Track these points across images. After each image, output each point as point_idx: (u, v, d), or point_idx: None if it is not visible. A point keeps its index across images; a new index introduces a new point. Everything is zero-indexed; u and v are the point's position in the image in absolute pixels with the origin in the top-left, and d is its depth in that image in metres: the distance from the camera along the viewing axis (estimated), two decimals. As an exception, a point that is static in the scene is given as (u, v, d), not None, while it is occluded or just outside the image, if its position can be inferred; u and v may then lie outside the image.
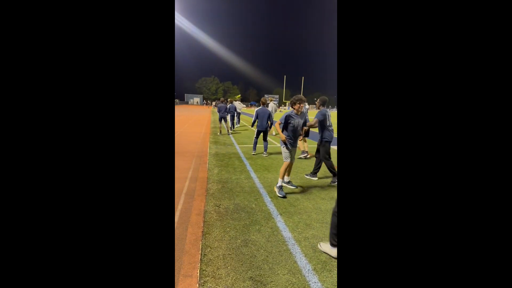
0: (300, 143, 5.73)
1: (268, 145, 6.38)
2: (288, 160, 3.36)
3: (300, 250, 2.13)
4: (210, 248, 2.13)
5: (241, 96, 35.38)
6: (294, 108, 3.27)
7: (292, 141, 3.36)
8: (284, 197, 3.28)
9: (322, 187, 3.80)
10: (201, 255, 2.03)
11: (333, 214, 2.01)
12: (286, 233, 2.40)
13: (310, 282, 1.77)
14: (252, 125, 6.11)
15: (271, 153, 6.05)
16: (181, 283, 1.72)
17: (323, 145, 3.91)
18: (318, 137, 4.01)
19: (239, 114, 12.41)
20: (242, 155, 5.82)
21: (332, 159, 3.91)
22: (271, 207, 2.99)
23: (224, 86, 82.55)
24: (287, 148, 3.35)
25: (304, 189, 3.65)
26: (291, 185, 3.64)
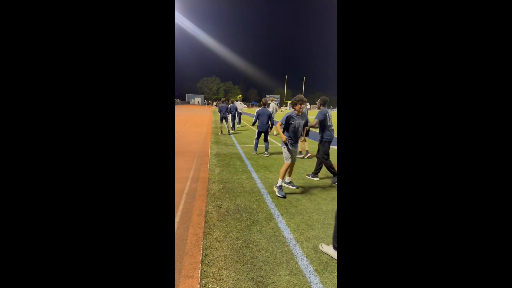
0: (299, 144, 5.73)
1: (269, 145, 6.38)
2: (289, 161, 3.36)
3: (301, 251, 2.13)
4: (211, 248, 2.13)
5: (242, 96, 35.42)
6: (295, 109, 3.27)
7: (293, 142, 3.36)
8: (284, 197, 3.28)
9: (323, 187, 3.79)
10: (202, 255, 2.03)
11: (335, 217, 2.01)
12: (288, 234, 2.39)
13: (311, 284, 1.76)
14: (253, 124, 6.14)
15: (272, 153, 6.04)
16: (182, 284, 1.72)
17: (323, 145, 3.92)
18: (319, 137, 4.01)
19: (240, 114, 12.43)
20: (243, 155, 5.82)
21: (332, 159, 3.90)
22: (273, 207, 2.98)
23: (225, 86, 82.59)
24: (288, 148, 3.35)
25: (306, 190, 3.64)
26: (293, 186, 3.63)
